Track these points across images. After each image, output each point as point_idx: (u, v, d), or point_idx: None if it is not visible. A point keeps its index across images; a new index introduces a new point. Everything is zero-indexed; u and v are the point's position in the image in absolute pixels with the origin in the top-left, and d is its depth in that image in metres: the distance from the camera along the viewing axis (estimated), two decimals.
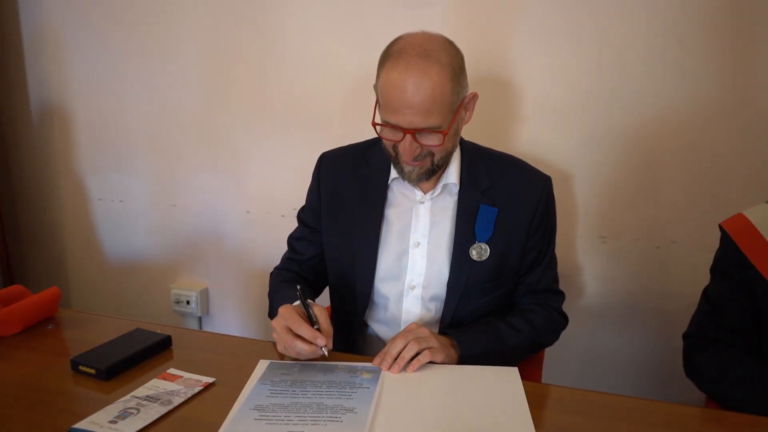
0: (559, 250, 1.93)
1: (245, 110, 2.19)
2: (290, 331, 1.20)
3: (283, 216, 2.21)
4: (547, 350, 1.98)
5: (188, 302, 2.40)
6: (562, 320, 1.50)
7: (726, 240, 1.31)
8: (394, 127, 1.25)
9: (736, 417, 1.11)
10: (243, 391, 1.14)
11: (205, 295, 2.43)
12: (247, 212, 2.29)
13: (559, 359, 1.92)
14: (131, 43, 2.27)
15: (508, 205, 1.39)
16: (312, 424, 1.03)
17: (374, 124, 1.29)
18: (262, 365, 1.24)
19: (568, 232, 1.91)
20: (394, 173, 1.40)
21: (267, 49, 2.10)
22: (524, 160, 1.49)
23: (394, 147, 1.30)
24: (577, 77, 1.79)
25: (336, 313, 1.54)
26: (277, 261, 1.61)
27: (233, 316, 2.42)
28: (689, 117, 1.73)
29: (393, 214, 1.43)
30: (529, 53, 1.82)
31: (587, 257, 1.91)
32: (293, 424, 1.03)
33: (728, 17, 1.64)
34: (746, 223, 1.29)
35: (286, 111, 2.13)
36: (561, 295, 1.51)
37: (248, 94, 2.17)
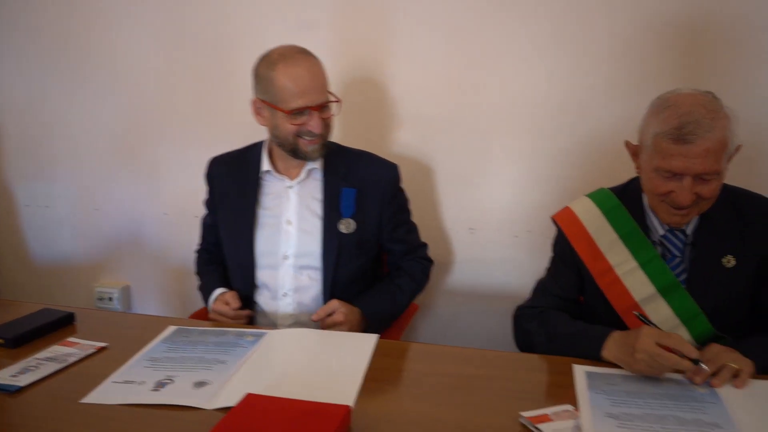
0: (435, 241, 2.19)
1: (160, 119, 2.40)
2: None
3: (196, 216, 2.38)
4: (422, 325, 2.23)
5: (111, 299, 2.56)
6: (429, 264, 1.88)
7: (558, 230, 1.57)
8: (306, 108, 1.58)
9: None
10: (143, 349, 1.38)
11: (127, 292, 2.59)
12: (165, 214, 2.48)
13: (432, 334, 2.21)
14: (53, 55, 2.45)
15: (363, 186, 1.72)
16: (184, 371, 1.28)
17: (288, 112, 1.58)
18: (170, 329, 1.50)
19: (440, 224, 2.19)
20: (265, 165, 1.72)
21: (177, 63, 2.31)
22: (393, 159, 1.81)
23: (300, 131, 1.60)
24: (443, 92, 2.08)
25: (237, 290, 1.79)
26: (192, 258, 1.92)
27: (155, 310, 2.59)
28: (535, 121, 2.02)
29: (267, 199, 1.74)
30: (404, 69, 2.10)
31: (459, 246, 2.17)
32: (173, 371, 1.28)
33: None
34: (572, 216, 1.55)
35: (196, 119, 2.35)
36: (425, 246, 1.89)
37: (163, 104, 2.38)
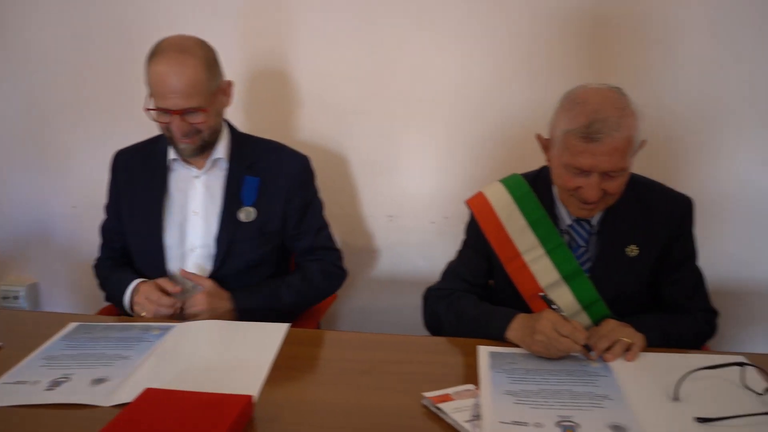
0: (353, 229, 2.19)
1: (69, 110, 2.29)
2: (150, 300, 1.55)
3: None
4: (342, 313, 2.23)
5: (17, 298, 2.44)
6: (341, 272, 1.80)
7: (471, 215, 1.60)
8: (165, 110, 1.52)
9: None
10: (39, 347, 1.33)
11: (34, 290, 2.48)
12: (74, 207, 2.37)
13: (352, 322, 2.23)
14: None
15: (269, 176, 1.69)
16: (83, 369, 1.24)
17: (146, 110, 1.55)
18: (71, 326, 1.45)
19: (359, 213, 2.19)
20: (172, 154, 1.67)
21: (87, 52, 2.22)
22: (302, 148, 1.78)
23: (168, 128, 1.56)
24: (357, 79, 2.08)
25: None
26: None
27: (65, 308, 2.47)
28: (450, 107, 2.05)
29: (174, 189, 1.69)
30: (314, 57, 2.09)
31: (378, 234, 2.19)
32: (71, 368, 1.24)
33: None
34: (484, 201, 1.58)
35: (106, 111, 2.25)
36: (337, 252, 1.81)
37: (71, 96, 2.27)
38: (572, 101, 1.35)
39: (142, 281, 1.62)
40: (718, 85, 1.92)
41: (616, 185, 1.35)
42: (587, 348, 1.26)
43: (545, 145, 1.46)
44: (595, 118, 1.29)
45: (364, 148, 2.14)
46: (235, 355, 1.32)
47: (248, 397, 1.08)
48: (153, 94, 1.53)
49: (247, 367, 1.26)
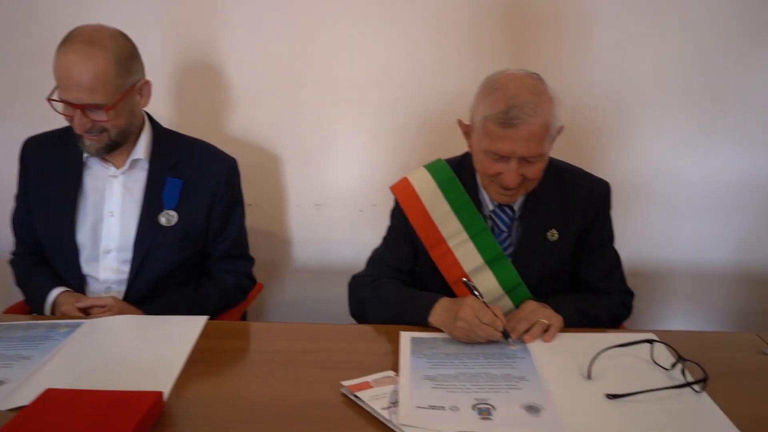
0: (280, 219, 2.14)
1: None
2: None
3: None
4: (269, 304, 2.19)
5: None
6: (252, 284, 1.77)
7: (396, 201, 1.58)
8: (67, 103, 1.42)
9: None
10: None
11: None
12: None
13: (280, 313, 2.20)
14: None
15: (193, 177, 1.61)
16: None
17: (49, 100, 1.45)
18: None
19: (285, 202, 2.16)
20: None
21: None
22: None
23: (72, 122, 1.46)
24: (277, 67, 2.04)
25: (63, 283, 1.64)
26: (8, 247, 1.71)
27: None
28: (375, 95, 2.04)
29: (89, 187, 1.59)
30: (238, 46, 2.03)
31: (305, 223, 2.16)
32: None
33: None
34: (408, 187, 1.57)
35: (10, 96, 2.11)
36: (251, 261, 1.77)
37: None
38: (491, 87, 1.36)
39: (62, 292, 1.54)
40: (633, 73, 1.98)
41: (534, 170, 1.37)
42: (506, 335, 1.27)
43: (466, 130, 1.46)
44: (513, 103, 1.30)
45: (294, 138, 2.11)
46: (148, 350, 1.27)
47: (158, 394, 1.04)
48: (57, 84, 1.43)
49: (159, 362, 1.21)
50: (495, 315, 1.26)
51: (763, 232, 2.08)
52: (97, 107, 1.42)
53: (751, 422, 1.02)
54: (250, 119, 2.09)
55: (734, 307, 2.16)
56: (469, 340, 1.27)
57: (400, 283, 1.52)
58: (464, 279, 1.41)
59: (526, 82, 1.34)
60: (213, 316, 1.58)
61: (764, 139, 2.00)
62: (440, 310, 1.34)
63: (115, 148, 1.53)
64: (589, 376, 1.14)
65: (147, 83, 1.55)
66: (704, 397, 1.08)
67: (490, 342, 1.27)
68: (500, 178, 1.37)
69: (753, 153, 2.02)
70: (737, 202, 2.06)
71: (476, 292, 1.33)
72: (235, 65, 2.05)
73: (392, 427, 1.00)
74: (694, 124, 2.01)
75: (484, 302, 1.29)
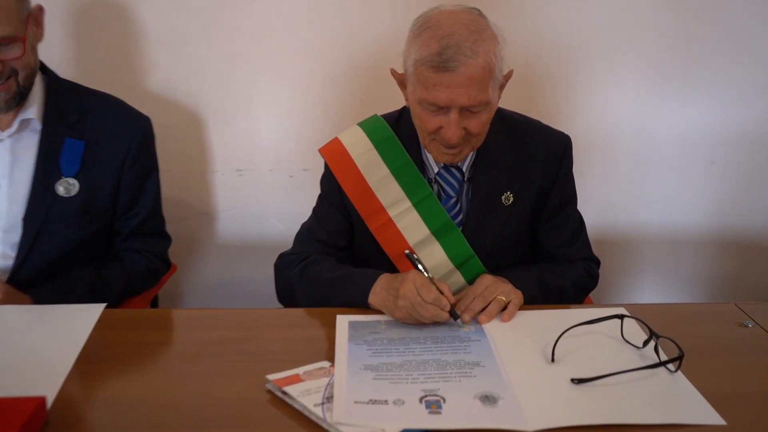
0: (197, 187, 2.05)
1: None
2: None
3: None
4: (186, 288, 2.12)
5: None
6: (167, 267, 1.70)
7: (326, 165, 1.51)
8: None
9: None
10: None
11: None
12: None
13: (200, 297, 2.14)
14: None
15: (99, 139, 1.51)
16: None
17: None
18: None
19: (203, 167, 2.07)
20: None
21: None
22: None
23: None
24: (194, 6, 1.94)
25: None
26: None
27: None
28: (302, 40, 1.97)
29: None
30: None
31: (225, 191, 2.09)
32: None
33: None
34: (340, 148, 1.50)
35: None
36: (167, 240, 1.70)
37: None
38: (422, 26, 1.30)
39: None
40: (595, 12, 1.95)
41: (479, 123, 1.31)
42: (454, 315, 1.23)
43: (400, 80, 1.40)
44: (448, 43, 1.24)
45: (212, 92, 2.02)
46: (32, 347, 1.19)
47: (40, 399, 0.97)
48: None
49: (44, 361, 1.13)
50: (441, 292, 1.22)
51: (742, 191, 2.11)
52: (8, 41, 1.32)
53: (730, 401, 1.02)
54: (165, 70, 1.98)
55: (711, 274, 2.21)
56: (412, 321, 1.23)
57: (334, 260, 1.46)
58: (406, 252, 1.36)
59: (463, 18, 1.28)
60: (115, 304, 1.52)
61: (742, 88, 2.02)
62: (380, 288, 1.29)
63: (24, 96, 1.42)
64: (552, 359, 1.12)
65: (42, 9, 1.45)
66: (679, 376, 1.08)
67: (439, 324, 1.23)
68: (441, 134, 1.32)
69: (729, 104, 2.03)
70: (712, 158, 2.08)
71: (420, 266, 1.29)
72: (147, 4, 1.93)
73: (326, 426, 0.95)
74: (664, 71, 2.01)
75: (430, 278, 1.25)
